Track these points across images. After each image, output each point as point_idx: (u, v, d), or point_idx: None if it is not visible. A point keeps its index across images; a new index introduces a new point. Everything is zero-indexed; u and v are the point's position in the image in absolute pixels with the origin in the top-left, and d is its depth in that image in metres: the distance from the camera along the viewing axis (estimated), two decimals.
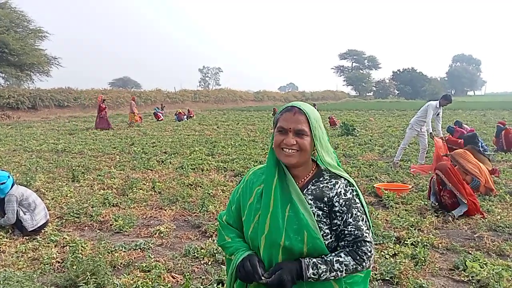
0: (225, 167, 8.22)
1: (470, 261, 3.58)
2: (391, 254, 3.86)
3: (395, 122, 19.39)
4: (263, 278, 1.37)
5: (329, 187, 1.45)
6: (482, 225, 4.64)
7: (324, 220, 1.42)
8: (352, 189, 1.47)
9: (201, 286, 3.21)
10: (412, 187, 6.46)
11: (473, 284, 3.29)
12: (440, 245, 4.11)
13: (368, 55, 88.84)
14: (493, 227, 4.59)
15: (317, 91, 68.56)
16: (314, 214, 1.41)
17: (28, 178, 6.84)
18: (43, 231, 4.59)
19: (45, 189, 6.48)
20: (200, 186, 6.61)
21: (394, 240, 4.20)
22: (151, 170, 8.10)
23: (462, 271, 3.49)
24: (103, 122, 17.98)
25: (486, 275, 3.30)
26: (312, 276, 1.36)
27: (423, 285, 3.19)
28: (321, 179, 1.48)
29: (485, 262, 3.58)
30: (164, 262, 3.74)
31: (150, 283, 3.25)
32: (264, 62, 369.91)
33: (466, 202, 4.93)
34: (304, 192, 1.45)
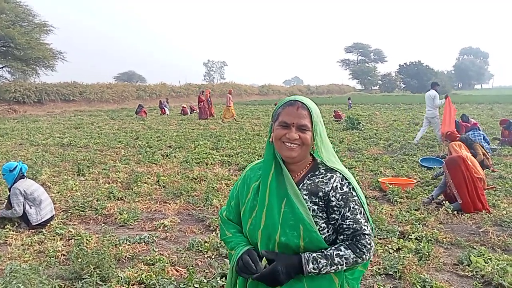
0: (229, 161, 8.23)
1: (474, 256, 3.56)
2: (395, 249, 3.85)
3: (400, 116, 19.23)
4: (258, 267, 1.38)
5: (325, 181, 1.44)
6: (487, 220, 4.60)
7: (320, 214, 1.42)
8: (348, 183, 1.46)
9: (204, 280, 3.22)
10: (417, 181, 6.43)
11: (477, 279, 3.27)
12: (444, 240, 4.09)
13: (374, 48, 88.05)
14: (499, 222, 4.56)
15: (322, 84, 68.17)
16: (309, 209, 1.40)
17: (34, 172, 6.92)
18: (48, 224, 4.64)
19: (50, 183, 6.54)
20: (204, 180, 6.63)
21: (398, 234, 4.19)
22: (156, 164, 8.13)
23: (467, 266, 3.48)
24: (203, 113, 19.44)
25: (491, 270, 3.29)
26: (313, 270, 1.36)
27: (427, 280, 3.18)
28: (316, 173, 1.48)
29: (489, 257, 3.56)
30: (168, 255, 3.77)
31: (154, 276, 3.27)
32: (269, 55, 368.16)
33: (460, 201, 4.92)
34: (299, 187, 1.45)
